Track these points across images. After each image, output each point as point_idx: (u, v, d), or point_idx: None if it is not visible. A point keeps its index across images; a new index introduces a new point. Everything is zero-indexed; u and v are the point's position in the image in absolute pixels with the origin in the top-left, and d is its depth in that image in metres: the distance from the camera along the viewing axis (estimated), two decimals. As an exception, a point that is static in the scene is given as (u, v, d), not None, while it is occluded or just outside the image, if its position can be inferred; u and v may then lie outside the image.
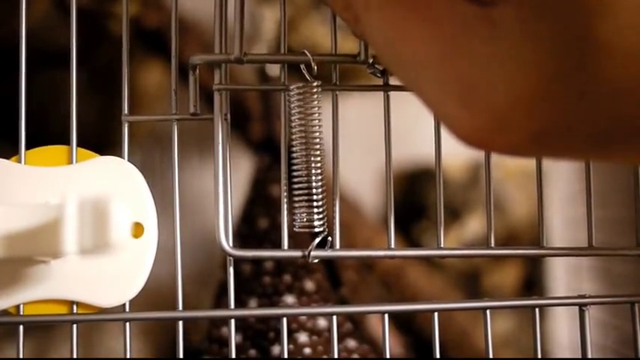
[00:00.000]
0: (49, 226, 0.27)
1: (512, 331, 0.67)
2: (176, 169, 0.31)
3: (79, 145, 0.31)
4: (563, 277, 0.66)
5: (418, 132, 0.58)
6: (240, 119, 0.53)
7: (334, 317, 0.31)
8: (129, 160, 0.31)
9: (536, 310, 0.32)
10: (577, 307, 0.33)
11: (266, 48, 0.57)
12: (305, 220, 0.30)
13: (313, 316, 0.42)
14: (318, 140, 0.30)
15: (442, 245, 0.32)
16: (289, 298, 0.43)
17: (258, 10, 0.59)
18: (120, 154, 0.31)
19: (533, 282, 0.68)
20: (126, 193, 0.30)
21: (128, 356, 0.30)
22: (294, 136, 0.30)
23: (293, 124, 0.30)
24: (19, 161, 0.30)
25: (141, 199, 0.30)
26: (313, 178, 0.30)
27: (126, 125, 0.31)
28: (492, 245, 0.33)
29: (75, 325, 0.30)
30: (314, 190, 0.30)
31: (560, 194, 0.63)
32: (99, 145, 0.32)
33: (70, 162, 0.30)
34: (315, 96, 0.30)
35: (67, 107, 0.31)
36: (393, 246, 0.32)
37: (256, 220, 0.48)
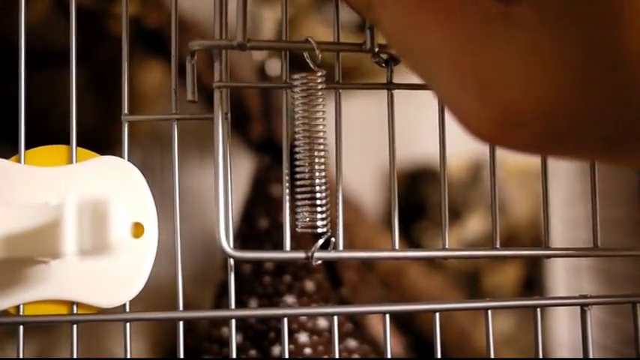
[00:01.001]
0: (49, 226, 0.27)
1: (512, 330, 0.67)
2: (176, 169, 0.31)
3: (79, 144, 0.31)
4: (564, 276, 0.66)
5: (418, 132, 0.58)
6: (240, 118, 0.53)
7: (335, 317, 0.31)
8: (129, 160, 0.31)
9: (538, 310, 0.32)
10: (578, 307, 0.33)
11: (266, 48, 0.57)
12: (308, 220, 0.29)
13: (314, 317, 0.42)
14: (321, 135, 0.29)
15: (447, 246, 0.32)
16: (289, 298, 0.43)
17: (258, 10, 0.58)
18: (120, 154, 0.31)
19: (533, 282, 0.68)
20: (126, 193, 0.30)
21: (128, 356, 0.30)
22: (297, 130, 0.29)
23: (296, 117, 0.29)
24: (19, 161, 0.30)
25: (141, 199, 0.30)
26: (317, 176, 0.29)
27: (126, 125, 0.31)
28: (497, 246, 0.33)
29: (75, 326, 0.30)
30: (317, 189, 0.29)
31: (561, 194, 0.63)
32: (99, 144, 0.32)
33: (70, 162, 0.30)
34: (319, 86, 0.29)
35: (66, 107, 0.30)
36: (397, 247, 0.32)
37: (256, 220, 0.48)
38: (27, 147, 0.30)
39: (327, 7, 0.63)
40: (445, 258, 0.32)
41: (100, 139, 0.46)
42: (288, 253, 0.31)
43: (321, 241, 0.30)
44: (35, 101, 0.33)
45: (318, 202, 0.29)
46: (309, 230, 0.30)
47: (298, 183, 0.30)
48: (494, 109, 0.20)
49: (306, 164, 0.29)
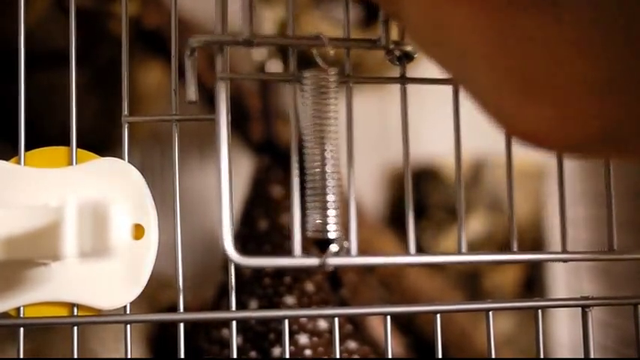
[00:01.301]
0: (49, 228, 0.27)
1: (513, 330, 0.67)
2: (177, 171, 0.31)
3: (79, 146, 0.31)
4: (563, 276, 0.66)
5: (419, 132, 0.58)
6: (239, 119, 0.53)
7: (336, 319, 0.31)
8: (129, 161, 0.31)
9: (539, 311, 0.32)
10: (578, 308, 0.33)
11: (266, 49, 0.57)
12: (318, 223, 0.27)
13: (314, 318, 0.42)
14: (333, 135, 0.27)
15: (464, 250, 0.31)
16: (289, 300, 0.43)
17: (258, 11, 0.58)
18: (120, 155, 0.31)
19: (533, 282, 0.68)
20: (126, 195, 0.30)
21: (129, 357, 0.30)
22: (305, 131, 0.28)
23: (305, 117, 0.28)
24: (19, 163, 0.30)
25: (141, 201, 0.30)
26: (328, 176, 0.27)
27: (126, 126, 0.31)
28: (515, 250, 0.32)
29: (75, 328, 0.30)
30: (329, 191, 0.27)
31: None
32: (99, 146, 0.32)
33: (70, 163, 0.30)
34: (331, 85, 0.27)
35: (66, 108, 0.30)
36: (413, 252, 0.30)
37: (256, 222, 0.48)
38: (27, 148, 0.30)
39: (327, 4, 0.63)
40: (463, 263, 0.31)
41: (100, 140, 0.46)
42: (299, 259, 0.28)
43: (335, 247, 0.28)
44: (35, 102, 0.33)
45: (330, 204, 0.27)
46: (320, 234, 0.28)
47: (309, 185, 0.28)
48: (538, 106, 0.18)
49: (317, 164, 0.27)
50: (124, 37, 0.31)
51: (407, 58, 0.30)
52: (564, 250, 0.32)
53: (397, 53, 0.30)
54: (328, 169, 0.27)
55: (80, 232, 0.27)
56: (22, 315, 0.29)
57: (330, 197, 0.27)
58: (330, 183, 0.27)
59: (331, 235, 0.28)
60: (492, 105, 0.20)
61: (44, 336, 0.48)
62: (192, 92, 0.28)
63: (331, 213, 0.27)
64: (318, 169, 0.28)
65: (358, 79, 0.30)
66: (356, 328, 0.45)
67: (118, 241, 0.27)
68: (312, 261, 0.28)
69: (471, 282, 0.67)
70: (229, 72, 0.29)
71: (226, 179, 0.27)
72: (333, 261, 0.28)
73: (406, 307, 0.32)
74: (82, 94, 0.31)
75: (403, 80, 0.31)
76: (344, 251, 0.28)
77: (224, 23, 0.28)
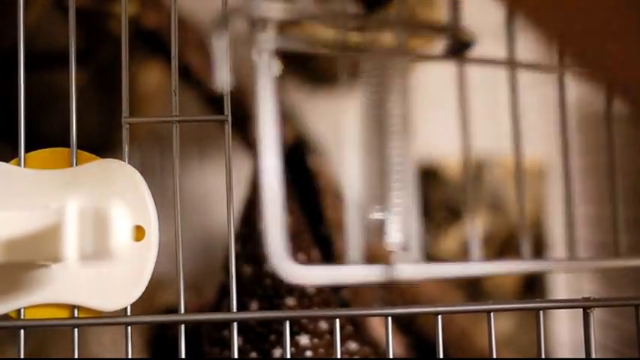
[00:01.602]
0: (50, 229, 0.27)
1: (513, 329, 0.67)
2: (177, 172, 0.31)
3: (78, 147, 0.30)
4: (564, 277, 0.66)
5: (418, 131, 0.58)
6: (239, 119, 0.53)
7: (337, 320, 0.31)
8: (129, 162, 0.31)
9: (540, 312, 0.32)
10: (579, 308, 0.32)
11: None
12: (378, 227, 0.24)
13: (315, 319, 0.42)
14: (395, 127, 0.25)
15: (527, 257, 0.30)
16: (290, 301, 0.43)
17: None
18: (120, 156, 0.31)
19: (533, 282, 0.68)
20: (126, 196, 0.30)
21: (129, 357, 0.30)
22: (365, 124, 0.25)
23: (365, 108, 0.25)
24: (19, 164, 0.30)
25: (141, 202, 0.30)
26: (392, 173, 0.24)
27: (126, 127, 0.31)
28: (580, 257, 0.31)
29: (76, 330, 0.30)
30: (392, 189, 0.24)
31: (561, 194, 0.63)
32: (99, 147, 0.32)
33: (70, 165, 0.30)
34: (396, 73, 0.25)
35: (66, 109, 0.30)
36: (476, 259, 0.28)
37: (256, 222, 0.48)
38: (27, 150, 0.30)
39: (328, 3, 0.63)
40: (526, 272, 0.29)
41: (100, 141, 0.46)
42: (362, 268, 0.24)
43: (401, 256, 0.24)
44: (35, 103, 0.33)
45: (395, 205, 0.24)
46: (380, 239, 0.24)
47: (368, 184, 0.24)
48: None
49: (379, 162, 0.24)
50: (123, 37, 0.31)
51: (464, 47, 0.29)
52: (617, 255, 0.32)
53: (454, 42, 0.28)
54: (392, 165, 0.24)
55: (80, 234, 0.27)
56: (22, 317, 0.29)
57: (395, 196, 0.24)
58: (394, 180, 0.24)
59: (394, 240, 0.24)
60: None
61: (43, 336, 0.48)
62: (223, 77, 0.25)
63: (394, 216, 0.24)
64: (379, 166, 0.24)
65: (413, 57, 0.29)
66: (357, 328, 0.45)
67: (118, 243, 0.27)
68: (378, 271, 0.24)
69: (471, 282, 0.67)
70: (230, 72, 0.29)
71: (272, 174, 0.23)
72: (401, 272, 0.24)
73: (407, 308, 0.32)
74: (82, 95, 0.31)
75: (460, 59, 0.29)
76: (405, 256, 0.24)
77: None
